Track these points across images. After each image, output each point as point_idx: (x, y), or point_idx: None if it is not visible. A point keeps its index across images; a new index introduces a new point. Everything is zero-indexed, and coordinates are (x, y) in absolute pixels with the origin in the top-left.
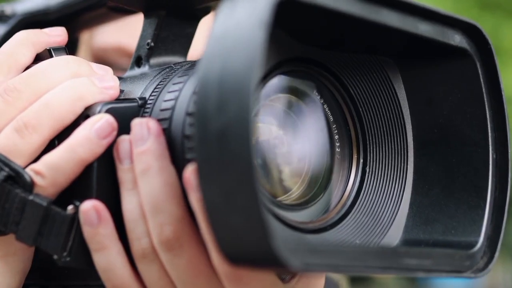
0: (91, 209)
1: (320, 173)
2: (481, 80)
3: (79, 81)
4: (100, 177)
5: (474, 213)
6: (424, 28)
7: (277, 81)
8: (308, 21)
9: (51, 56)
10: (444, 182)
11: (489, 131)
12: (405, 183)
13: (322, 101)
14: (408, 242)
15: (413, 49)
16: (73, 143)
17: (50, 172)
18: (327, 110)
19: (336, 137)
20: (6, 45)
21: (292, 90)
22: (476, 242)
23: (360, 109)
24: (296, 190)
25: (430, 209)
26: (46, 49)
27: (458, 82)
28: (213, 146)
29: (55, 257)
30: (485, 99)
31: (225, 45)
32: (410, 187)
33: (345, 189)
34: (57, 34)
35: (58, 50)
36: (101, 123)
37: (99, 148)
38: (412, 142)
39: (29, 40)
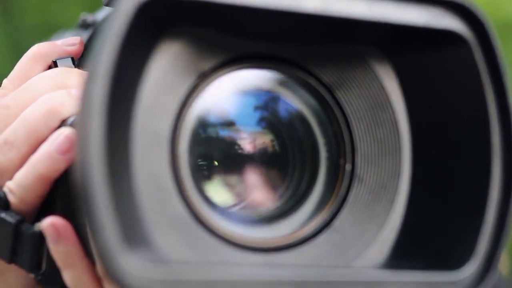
0: (49, 226)
1: (300, 182)
2: (479, 67)
3: (55, 94)
4: (67, 193)
5: (470, 228)
6: (382, 11)
7: (236, 80)
8: (231, 16)
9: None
10: (442, 190)
11: (492, 127)
12: (398, 191)
13: (301, 101)
14: (391, 264)
15: (396, 34)
16: (35, 159)
17: (18, 189)
18: (307, 111)
19: (323, 140)
20: (22, 58)
21: (258, 90)
22: (465, 263)
23: (345, 108)
24: (270, 201)
25: (424, 223)
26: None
27: (453, 71)
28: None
29: (32, 275)
30: (485, 89)
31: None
32: (404, 196)
33: (328, 200)
34: (70, 44)
35: (63, 60)
36: (60, 138)
37: (60, 164)
38: (407, 142)
39: (39, 53)
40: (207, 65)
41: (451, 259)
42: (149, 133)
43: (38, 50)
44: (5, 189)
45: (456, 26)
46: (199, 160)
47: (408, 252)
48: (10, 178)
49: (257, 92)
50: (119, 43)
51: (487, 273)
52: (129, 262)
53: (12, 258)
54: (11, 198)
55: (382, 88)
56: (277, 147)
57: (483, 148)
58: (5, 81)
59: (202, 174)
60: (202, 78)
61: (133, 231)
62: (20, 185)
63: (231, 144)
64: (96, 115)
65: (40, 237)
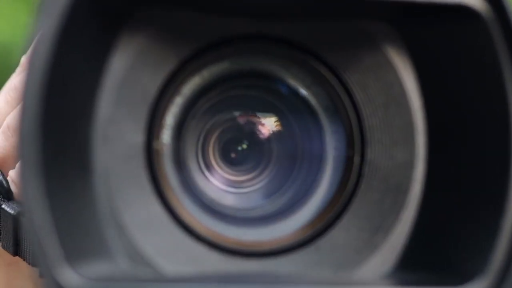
0: None
1: (306, 177)
2: (496, 46)
3: None
4: None
5: (485, 235)
6: None
7: (228, 64)
8: None
9: None
10: (459, 191)
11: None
12: (410, 189)
13: (305, 84)
14: (394, 275)
15: (407, 9)
16: None
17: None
18: (310, 97)
19: (332, 128)
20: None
21: (256, 74)
22: (475, 276)
23: (352, 92)
24: (267, 198)
25: (435, 228)
26: None
27: (469, 50)
28: None
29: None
30: (504, 72)
31: None
32: (417, 196)
33: (333, 198)
34: None
35: None
36: None
37: None
38: (423, 134)
39: None
40: (186, 50)
41: (462, 271)
42: (113, 129)
43: None
44: (9, 178)
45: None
46: (187, 154)
47: (415, 261)
48: (14, 166)
49: (251, 76)
50: (57, 34)
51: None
52: (68, 280)
53: (16, 250)
54: (14, 188)
55: (393, 69)
56: (281, 138)
57: (502, 139)
58: (23, 58)
59: (189, 169)
60: (183, 65)
61: (83, 245)
62: None
63: (227, 134)
64: (31, 119)
65: None
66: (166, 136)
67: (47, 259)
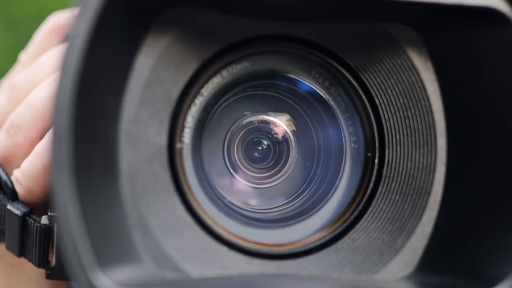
0: None
1: (325, 178)
2: None
3: None
4: None
5: (508, 240)
6: None
7: (248, 65)
8: None
9: None
10: (480, 193)
11: None
12: (431, 191)
13: (324, 85)
14: (417, 278)
15: (430, 11)
16: (41, 147)
17: (24, 179)
18: (330, 97)
19: (351, 129)
20: (40, 30)
21: (276, 74)
22: (500, 281)
23: (373, 93)
24: (286, 199)
25: (457, 231)
26: None
27: (494, 54)
28: None
29: (43, 270)
30: None
31: None
32: (438, 198)
33: (353, 199)
34: None
35: None
36: None
37: None
38: (443, 137)
39: (57, 25)
40: (209, 51)
41: (485, 275)
42: (138, 129)
43: (56, 22)
44: (13, 178)
45: (496, 3)
46: (208, 154)
47: (437, 264)
48: (18, 165)
49: (271, 76)
50: (90, 34)
51: None
52: (101, 284)
53: (22, 251)
54: (19, 189)
55: (414, 72)
56: (297, 137)
57: None
58: (22, 56)
59: (210, 169)
60: (206, 66)
61: (112, 249)
62: (26, 175)
63: (249, 134)
64: (64, 120)
65: (47, 231)
66: (187, 136)
67: (81, 264)
